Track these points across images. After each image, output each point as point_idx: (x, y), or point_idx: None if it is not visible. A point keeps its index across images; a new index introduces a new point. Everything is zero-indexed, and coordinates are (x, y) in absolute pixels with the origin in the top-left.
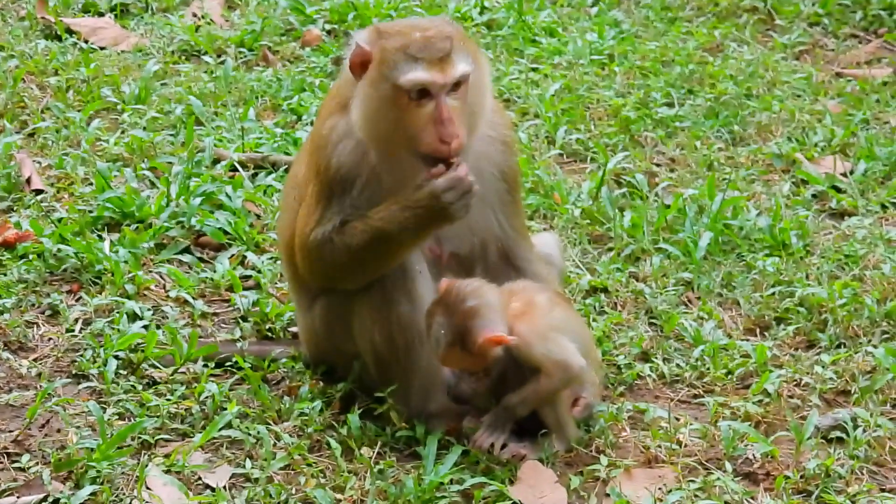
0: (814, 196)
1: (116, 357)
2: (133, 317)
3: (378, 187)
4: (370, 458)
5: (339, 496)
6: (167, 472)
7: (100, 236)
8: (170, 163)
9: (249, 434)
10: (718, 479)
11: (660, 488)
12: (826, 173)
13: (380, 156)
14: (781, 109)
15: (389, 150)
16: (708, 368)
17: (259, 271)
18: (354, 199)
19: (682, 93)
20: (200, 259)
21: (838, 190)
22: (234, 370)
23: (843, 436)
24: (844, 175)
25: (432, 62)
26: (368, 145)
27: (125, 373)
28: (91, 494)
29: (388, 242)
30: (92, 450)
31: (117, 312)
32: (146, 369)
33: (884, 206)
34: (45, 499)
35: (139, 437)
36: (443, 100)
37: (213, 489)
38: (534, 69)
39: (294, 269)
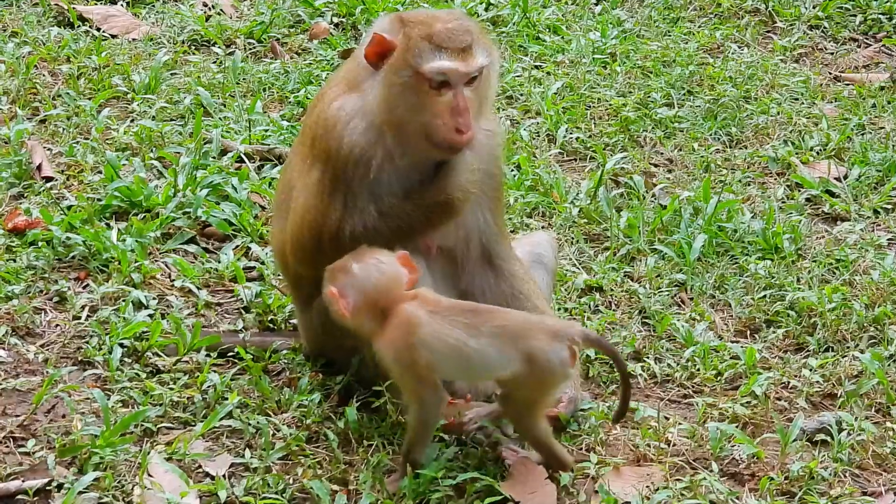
0: (807, 200)
1: (121, 345)
2: (139, 305)
3: (393, 169)
4: (366, 450)
5: (335, 487)
6: (168, 459)
7: (108, 225)
8: (178, 153)
9: (249, 424)
10: (704, 478)
11: (647, 486)
12: (820, 177)
13: (395, 139)
14: (779, 113)
15: (405, 134)
16: (698, 369)
17: (262, 263)
18: (371, 183)
19: (682, 94)
20: (205, 249)
21: (832, 194)
22: (236, 360)
23: (828, 439)
24: (838, 179)
25: (455, 52)
26: (384, 128)
27: (130, 360)
28: (94, 480)
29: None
30: (96, 436)
31: (123, 301)
32: (150, 357)
33: (876, 212)
34: (49, 483)
35: (142, 425)
36: (461, 90)
37: (212, 477)
38: (537, 67)
39: (292, 271)
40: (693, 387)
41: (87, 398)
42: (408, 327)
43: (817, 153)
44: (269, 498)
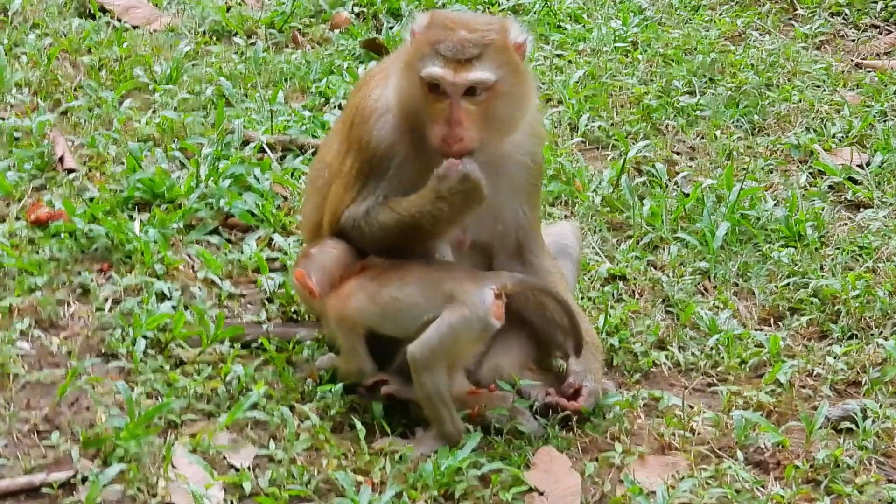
0: (830, 187)
1: (145, 337)
2: (161, 297)
3: (411, 168)
4: (391, 440)
5: (360, 478)
6: (193, 451)
7: (130, 216)
8: (200, 144)
9: (273, 415)
10: (730, 467)
11: (672, 475)
12: (843, 164)
13: (411, 134)
14: (801, 100)
15: (420, 130)
16: (722, 357)
17: (286, 253)
18: (390, 180)
19: (704, 82)
20: (228, 240)
21: (854, 181)
22: (260, 352)
23: (853, 426)
24: (861, 167)
25: (452, 62)
26: (405, 122)
27: (153, 352)
28: (119, 472)
29: (418, 232)
30: (120, 428)
31: (146, 292)
32: (174, 349)
33: None
34: (73, 476)
35: (166, 417)
36: (457, 101)
37: (237, 469)
38: (558, 55)
39: None
40: (717, 375)
41: (111, 390)
42: (345, 300)
43: (839, 140)
44: (294, 489)
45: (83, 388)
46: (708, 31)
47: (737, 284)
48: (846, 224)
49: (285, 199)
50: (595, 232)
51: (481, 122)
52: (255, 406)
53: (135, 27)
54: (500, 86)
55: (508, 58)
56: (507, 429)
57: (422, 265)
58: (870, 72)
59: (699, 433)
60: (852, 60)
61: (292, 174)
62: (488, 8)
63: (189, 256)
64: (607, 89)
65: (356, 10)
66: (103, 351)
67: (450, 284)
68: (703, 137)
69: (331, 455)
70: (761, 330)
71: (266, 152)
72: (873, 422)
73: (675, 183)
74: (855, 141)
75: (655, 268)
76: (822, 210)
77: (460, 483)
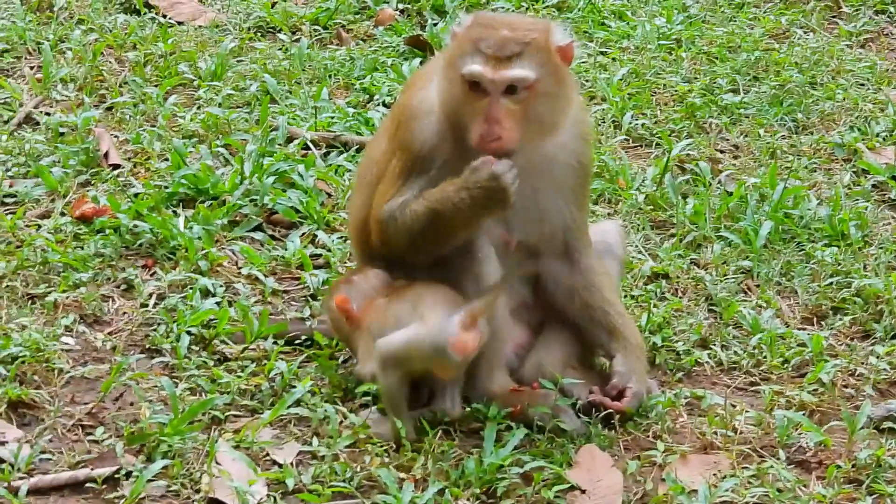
0: (874, 186)
1: (189, 333)
2: (206, 293)
3: (452, 169)
4: (433, 438)
5: (402, 475)
6: (236, 447)
7: (175, 212)
8: (244, 140)
9: (317, 412)
10: (772, 466)
11: (714, 474)
12: (887, 164)
13: (454, 135)
14: (845, 98)
15: (462, 130)
16: (765, 356)
17: (329, 250)
18: (431, 179)
19: (748, 80)
20: (272, 237)
21: None
22: (303, 348)
23: (895, 426)
24: None
25: (492, 59)
26: (449, 123)
27: (197, 348)
28: (162, 468)
29: (443, 224)
30: (164, 424)
31: (190, 288)
32: (217, 345)
33: None
34: (117, 471)
35: (210, 413)
36: (496, 99)
37: (280, 465)
38: (602, 53)
39: (363, 249)
40: (760, 374)
41: (155, 386)
42: (367, 313)
43: (884, 139)
44: (337, 486)
45: (127, 383)
46: (752, 28)
47: (780, 283)
48: (889, 223)
49: (329, 195)
50: (638, 230)
51: (521, 122)
52: (298, 402)
53: (180, 23)
54: (540, 85)
55: (549, 58)
56: (550, 427)
57: (424, 284)
58: None
59: (741, 432)
60: None
61: (336, 171)
62: (532, 5)
63: (233, 253)
64: (651, 87)
65: (401, 6)
66: (147, 347)
67: (428, 303)
68: (746, 136)
69: (373, 452)
70: (804, 329)
71: (310, 149)
72: None
73: (719, 181)
74: None
75: (698, 266)
76: (866, 209)
77: (503, 480)
